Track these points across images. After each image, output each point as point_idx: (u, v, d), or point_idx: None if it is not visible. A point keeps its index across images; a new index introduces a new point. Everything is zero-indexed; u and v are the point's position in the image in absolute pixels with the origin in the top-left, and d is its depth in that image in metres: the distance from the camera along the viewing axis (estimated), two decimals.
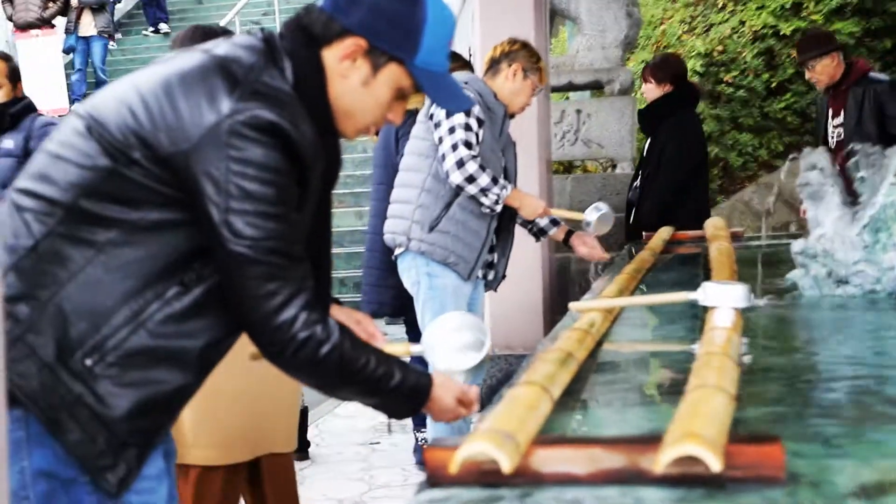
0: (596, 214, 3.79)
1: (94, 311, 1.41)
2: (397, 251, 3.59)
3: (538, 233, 3.87)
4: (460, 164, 3.42)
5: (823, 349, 1.92)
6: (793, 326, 2.19)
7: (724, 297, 1.80)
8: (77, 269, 1.42)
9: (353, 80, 1.54)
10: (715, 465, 0.99)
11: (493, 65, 3.67)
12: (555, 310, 5.45)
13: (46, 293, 1.41)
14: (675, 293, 2.04)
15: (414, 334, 3.97)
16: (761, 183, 9.74)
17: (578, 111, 6.34)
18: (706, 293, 1.84)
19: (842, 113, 4.83)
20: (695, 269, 3.21)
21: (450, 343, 1.84)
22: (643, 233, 3.80)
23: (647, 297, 2.30)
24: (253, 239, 1.40)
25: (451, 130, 3.42)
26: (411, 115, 3.68)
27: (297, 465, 4.33)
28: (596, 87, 6.52)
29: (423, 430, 4.32)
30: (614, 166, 6.68)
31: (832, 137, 4.94)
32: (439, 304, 3.50)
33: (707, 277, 2.70)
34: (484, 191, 3.46)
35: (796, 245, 2.52)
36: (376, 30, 1.51)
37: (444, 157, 3.44)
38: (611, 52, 6.43)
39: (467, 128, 3.43)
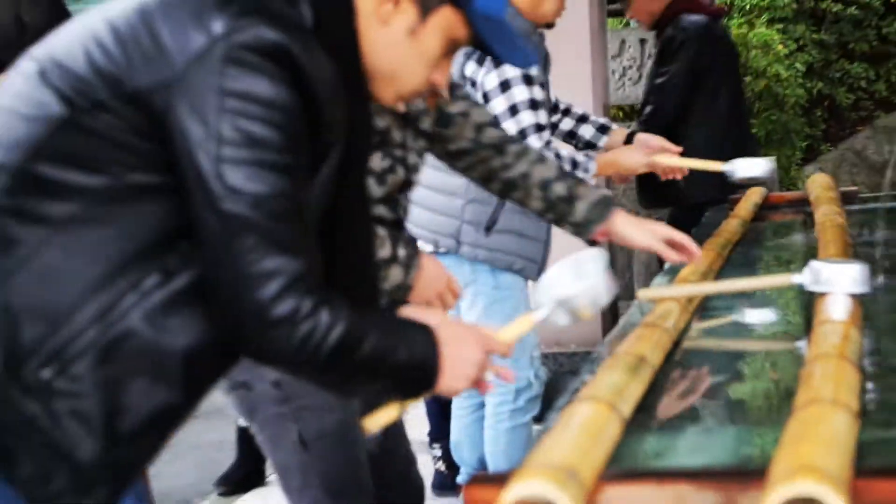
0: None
1: (52, 309, 1.38)
2: (439, 249, 3.44)
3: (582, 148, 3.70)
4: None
5: None
6: None
7: (837, 281, 1.80)
8: (28, 254, 1.39)
9: (397, 28, 1.54)
10: None
11: None
12: (614, 298, 5.43)
13: None
14: (773, 276, 2.02)
15: None
16: (879, 126, 9.66)
17: (643, 41, 6.29)
18: (814, 275, 1.83)
19: None
20: (796, 242, 3.19)
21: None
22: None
23: (736, 282, 2.28)
24: (254, 196, 1.37)
25: (513, 111, 3.25)
26: None
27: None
28: None
29: (436, 446, 4.30)
30: None
31: None
32: (511, 307, 3.40)
33: (813, 254, 2.68)
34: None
35: None
36: None
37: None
38: None
39: (532, 105, 3.26)
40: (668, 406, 1.59)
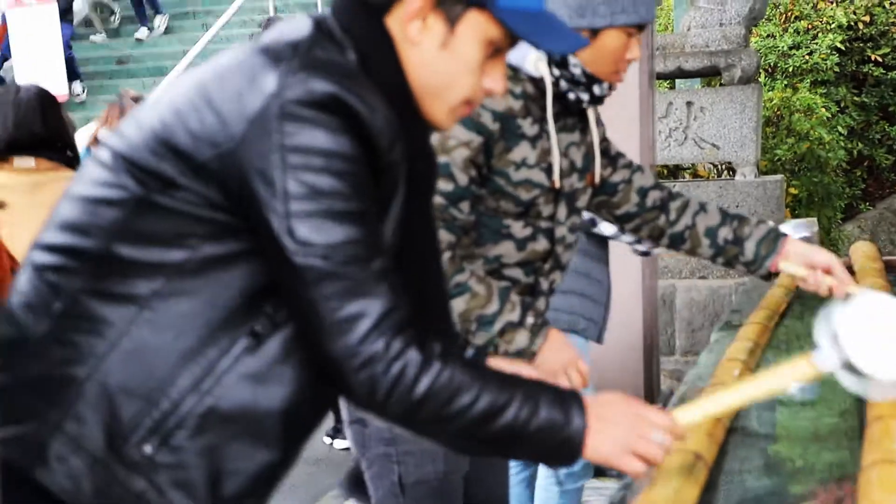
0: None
1: (147, 384, 1.35)
2: None
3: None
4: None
5: None
6: None
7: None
8: (118, 334, 1.36)
9: (429, 45, 1.47)
10: None
11: None
12: (656, 347, 5.37)
13: (84, 369, 1.35)
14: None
15: None
16: None
17: (689, 104, 6.23)
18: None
19: None
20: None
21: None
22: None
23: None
24: (325, 246, 1.33)
25: None
26: None
27: None
28: (711, 74, 6.40)
29: None
30: (732, 171, 6.57)
31: None
32: None
33: None
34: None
35: None
36: None
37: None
38: (731, 29, 6.31)
39: None
40: None
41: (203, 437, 1.37)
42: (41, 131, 3.45)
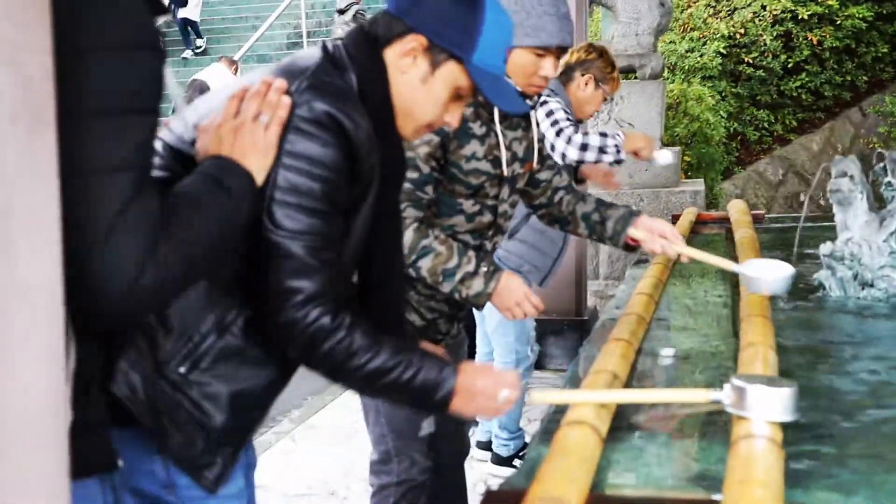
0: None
1: (182, 324, 1.33)
2: None
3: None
4: (568, 140, 3.17)
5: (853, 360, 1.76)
6: (820, 330, 2.04)
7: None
8: None
9: (412, 76, 1.44)
10: None
11: (567, 71, 3.33)
12: (584, 273, 5.32)
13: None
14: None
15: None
16: (775, 155, 9.47)
17: None
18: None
19: None
20: (722, 253, 3.03)
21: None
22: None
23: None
24: (290, 231, 1.30)
25: (549, 114, 3.19)
26: None
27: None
28: (629, 72, 6.26)
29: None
30: None
31: None
32: None
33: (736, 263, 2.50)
34: (602, 150, 3.19)
35: (824, 248, 2.36)
36: (437, 28, 1.42)
37: (552, 146, 3.17)
38: (644, 38, 6.15)
39: (558, 111, 3.21)
40: (628, 419, 1.46)
41: (222, 364, 1.34)
42: None
